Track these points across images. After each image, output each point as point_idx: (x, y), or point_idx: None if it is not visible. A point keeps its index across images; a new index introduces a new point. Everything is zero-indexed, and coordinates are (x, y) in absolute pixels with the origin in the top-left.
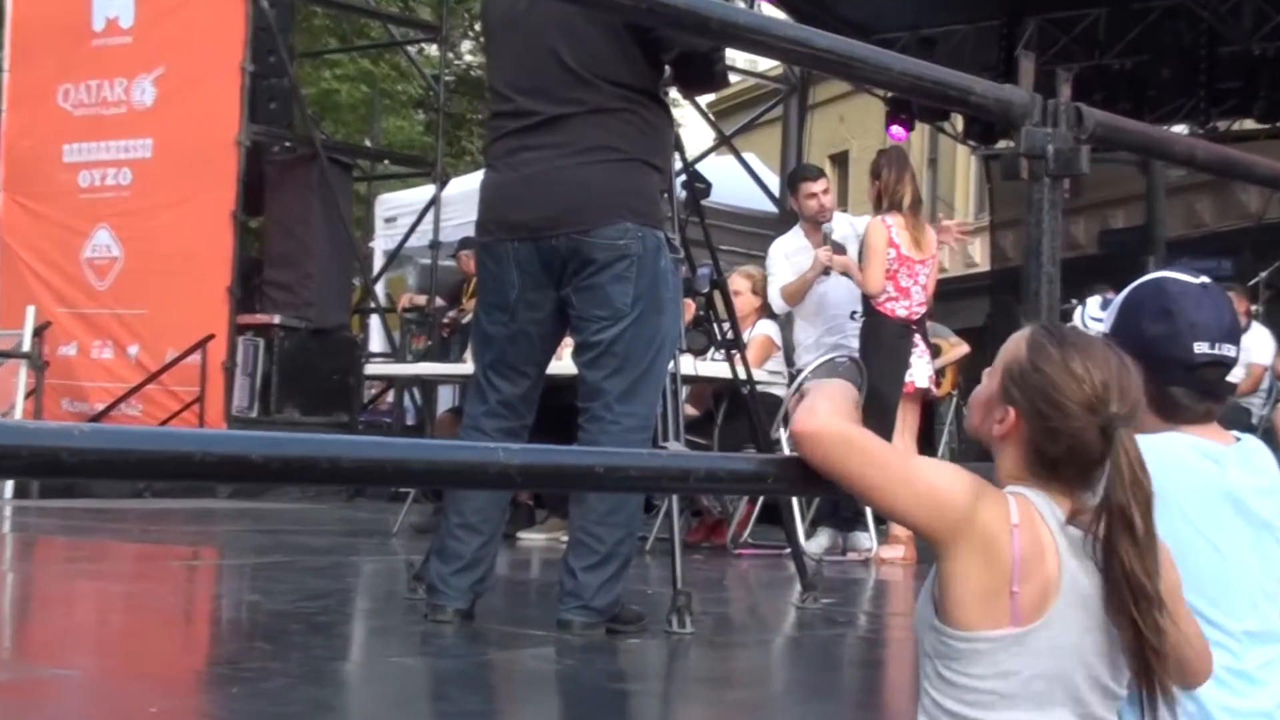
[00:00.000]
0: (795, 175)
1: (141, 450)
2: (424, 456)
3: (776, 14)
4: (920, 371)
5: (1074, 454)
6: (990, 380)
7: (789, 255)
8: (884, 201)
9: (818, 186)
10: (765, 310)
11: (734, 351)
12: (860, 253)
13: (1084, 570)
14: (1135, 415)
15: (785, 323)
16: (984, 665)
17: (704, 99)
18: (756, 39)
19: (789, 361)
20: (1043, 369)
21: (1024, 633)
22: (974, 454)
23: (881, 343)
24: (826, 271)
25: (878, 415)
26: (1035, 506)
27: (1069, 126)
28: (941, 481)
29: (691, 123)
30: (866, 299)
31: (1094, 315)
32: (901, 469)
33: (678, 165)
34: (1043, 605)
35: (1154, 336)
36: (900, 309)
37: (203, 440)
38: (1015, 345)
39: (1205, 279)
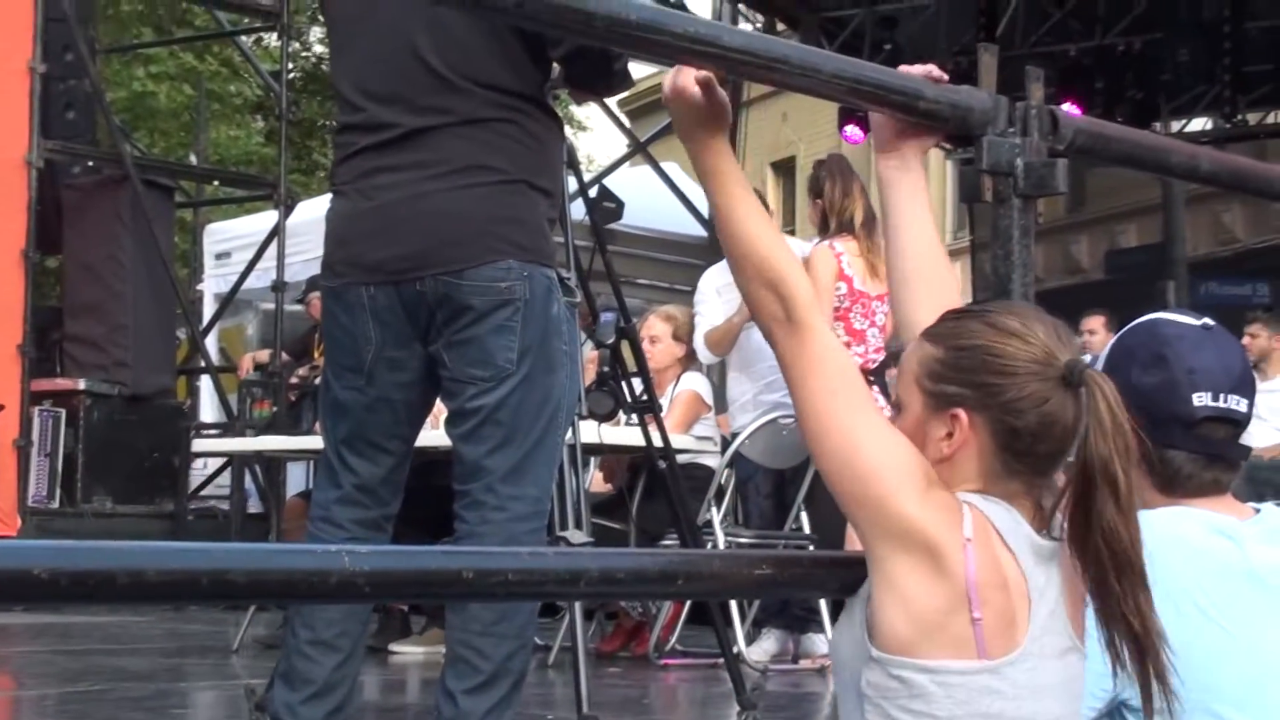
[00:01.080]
0: None
1: None
2: (247, 566)
3: None
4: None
5: (1046, 424)
6: (908, 403)
7: (720, 290)
8: (831, 222)
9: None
10: (691, 361)
11: (648, 415)
12: None
13: (1060, 588)
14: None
15: (716, 376)
16: (956, 705)
17: (613, 99)
18: (652, 39)
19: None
20: (972, 343)
21: (997, 665)
22: None
23: None
24: None
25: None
26: (992, 522)
27: (1042, 135)
28: (888, 456)
29: (599, 127)
30: None
31: None
32: (852, 417)
33: (573, 185)
34: (1011, 637)
35: (1147, 388)
36: (854, 357)
37: None
38: (916, 349)
39: (1208, 320)
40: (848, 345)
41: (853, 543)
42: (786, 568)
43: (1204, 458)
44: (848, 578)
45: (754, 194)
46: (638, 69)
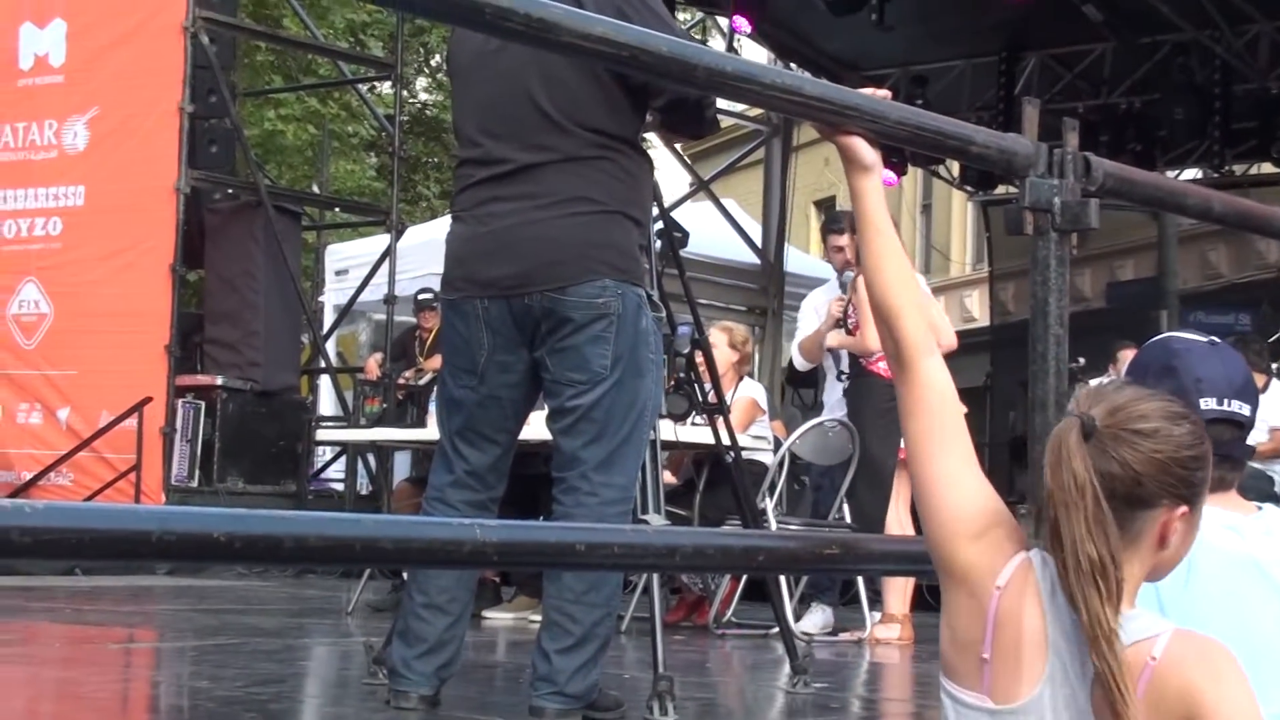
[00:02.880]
0: (824, 224)
1: (97, 529)
2: (395, 535)
3: (759, 51)
4: None
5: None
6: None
7: (818, 309)
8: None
9: (842, 240)
10: (744, 367)
11: (717, 416)
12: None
13: (1078, 657)
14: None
15: (774, 386)
16: None
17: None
18: (745, 88)
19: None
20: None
21: (998, 710)
22: None
23: (874, 406)
24: (840, 324)
25: (872, 483)
26: (1039, 580)
27: (1077, 178)
28: (958, 500)
29: (666, 166)
30: (856, 359)
31: None
32: (939, 459)
33: (655, 214)
34: (1017, 687)
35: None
36: None
37: (162, 518)
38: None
39: (1214, 338)
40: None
41: (889, 530)
42: (851, 548)
43: (1213, 457)
44: (903, 558)
45: (890, 236)
46: None
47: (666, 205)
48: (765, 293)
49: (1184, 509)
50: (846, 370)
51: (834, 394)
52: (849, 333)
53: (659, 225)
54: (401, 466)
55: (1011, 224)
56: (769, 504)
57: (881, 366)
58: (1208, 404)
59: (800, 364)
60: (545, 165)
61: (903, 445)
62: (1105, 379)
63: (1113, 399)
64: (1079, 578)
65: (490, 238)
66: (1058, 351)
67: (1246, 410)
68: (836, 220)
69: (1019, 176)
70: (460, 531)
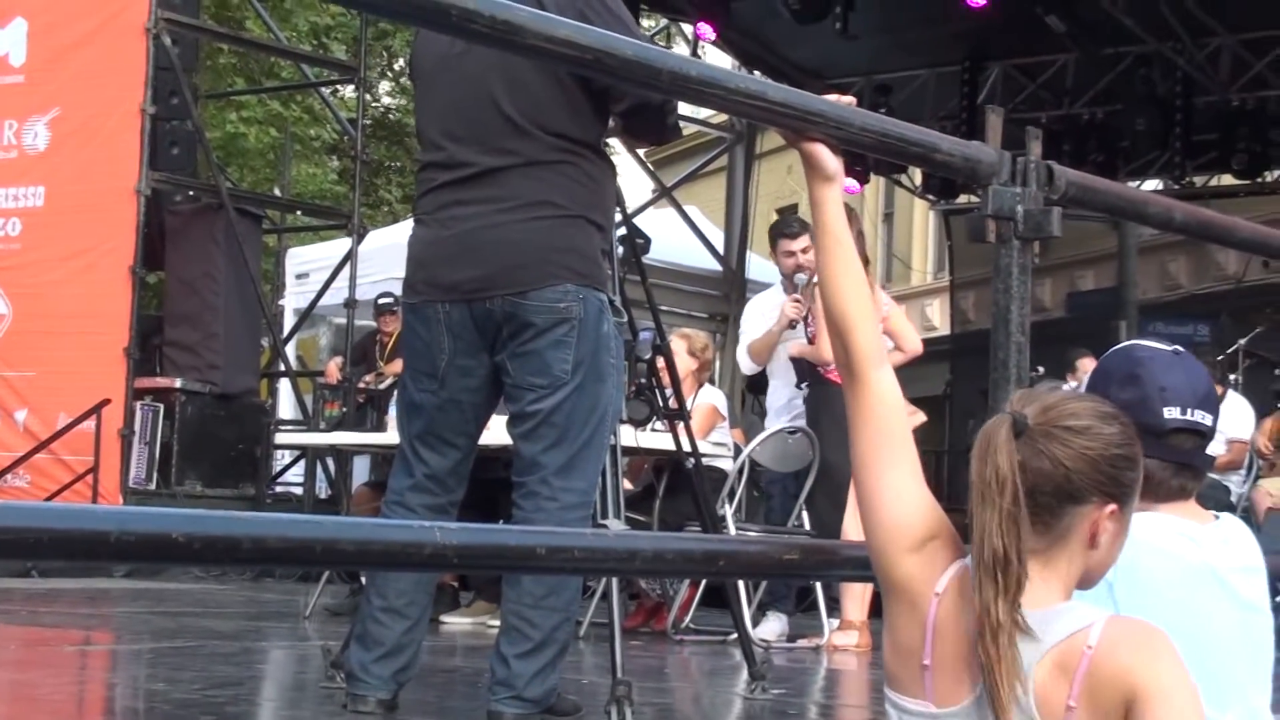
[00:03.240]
0: (774, 229)
1: (55, 529)
2: (355, 536)
3: (723, 59)
4: None
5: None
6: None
7: (765, 313)
8: None
9: (796, 245)
10: (704, 374)
11: (677, 421)
12: (806, 315)
13: (1048, 670)
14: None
15: (734, 392)
16: None
17: (643, 148)
18: (709, 92)
19: (746, 430)
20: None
21: (939, 714)
22: None
23: (832, 414)
24: (793, 325)
25: (830, 492)
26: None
27: (1039, 186)
28: (898, 513)
29: (629, 173)
30: (814, 368)
31: None
32: (883, 472)
33: (618, 219)
34: (959, 690)
35: (1123, 403)
36: None
37: (120, 518)
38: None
39: (1178, 347)
40: None
41: (846, 537)
42: (811, 554)
43: (1173, 466)
44: (862, 564)
45: (848, 247)
46: None
47: (629, 211)
48: (727, 299)
49: (1113, 507)
50: (806, 379)
51: (778, 398)
52: (809, 341)
53: (621, 231)
54: (361, 471)
55: (974, 231)
56: (728, 510)
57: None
58: (1171, 413)
59: (747, 367)
60: (508, 169)
61: None
62: (1060, 385)
63: (1045, 399)
64: (979, 569)
65: (452, 241)
66: (1019, 359)
67: (1209, 420)
68: (789, 224)
69: (982, 184)
70: (420, 534)
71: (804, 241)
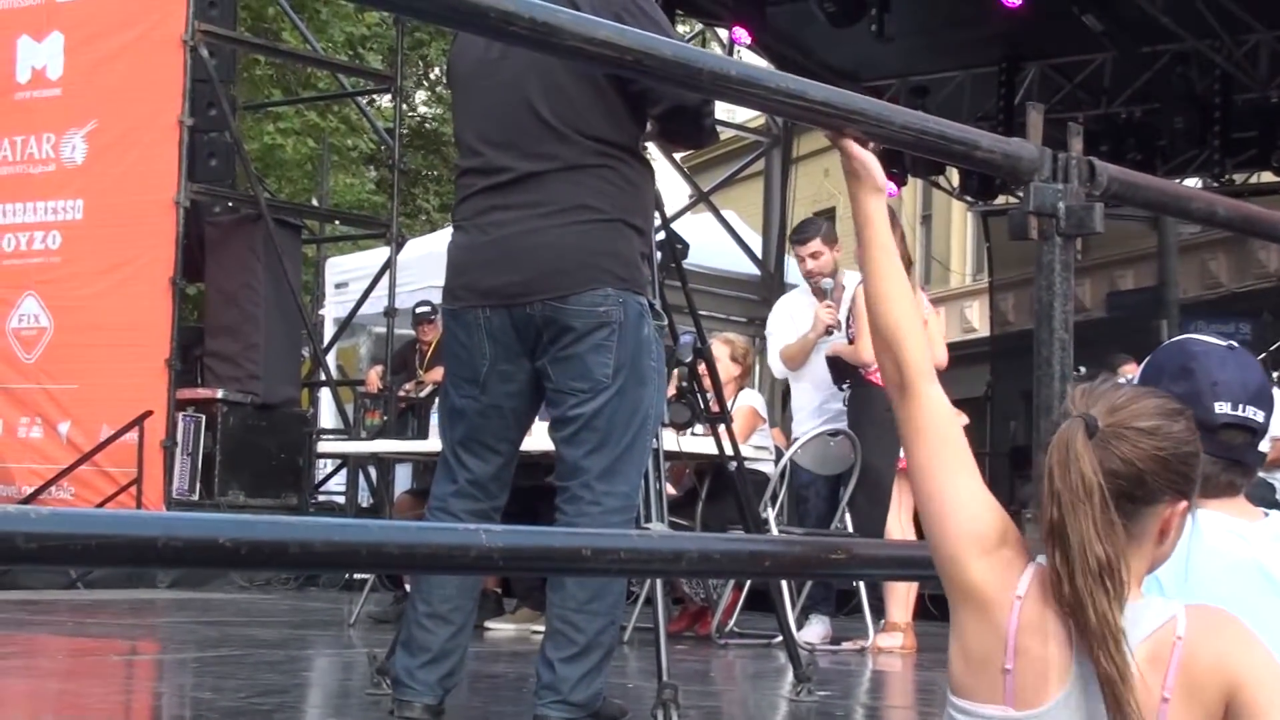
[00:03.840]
0: (792, 235)
1: (102, 535)
2: (401, 540)
3: (759, 63)
4: None
5: None
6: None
7: (793, 316)
8: None
9: (805, 250)
10: (745, 379)
11: (719, 425)
12: (846, 317)
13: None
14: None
15: (776, 394)
16: None
17: (680, 152)
18: (749, 92)
19: (784, 431)
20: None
21: (1020, 717)
22: None
23: (874, 417)
24: (830, 331)
25: (872, 493)
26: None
27: (1081, 182)
28: (965, 520)
29: (666, 178)
30: (856, 369)
31: None
32: (945, 479)
33: (657, 223)
34: (1043, 691)
35: (1175, 397)
36: None
37: (167, 524)
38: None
39: (1233, 342)
40: None
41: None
42: (857, 553)
43: (1223, 461)
44: (907, 563)
45: (894, 258)
46: None
47: (668, 217)
48: (765, 304)
49: (1184, 504)
50: (847, 380)
51: (807, 400)
52: (849, 342)
53: (660, 236)
54: (403, 479)
55: (1016, 229)
56: (770, 514)
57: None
58: (1222, 408)
59: (780, 372)
60: (546, 174)
61: (902, 457)
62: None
63: (1110, 398)
64: (1086, 578)
65: (491, 246)
66: (1062, 356)
67: (1260, 416)
68: (799, 229)
69: (1023, 181)
70: (466, 537)
71: (813, 246)
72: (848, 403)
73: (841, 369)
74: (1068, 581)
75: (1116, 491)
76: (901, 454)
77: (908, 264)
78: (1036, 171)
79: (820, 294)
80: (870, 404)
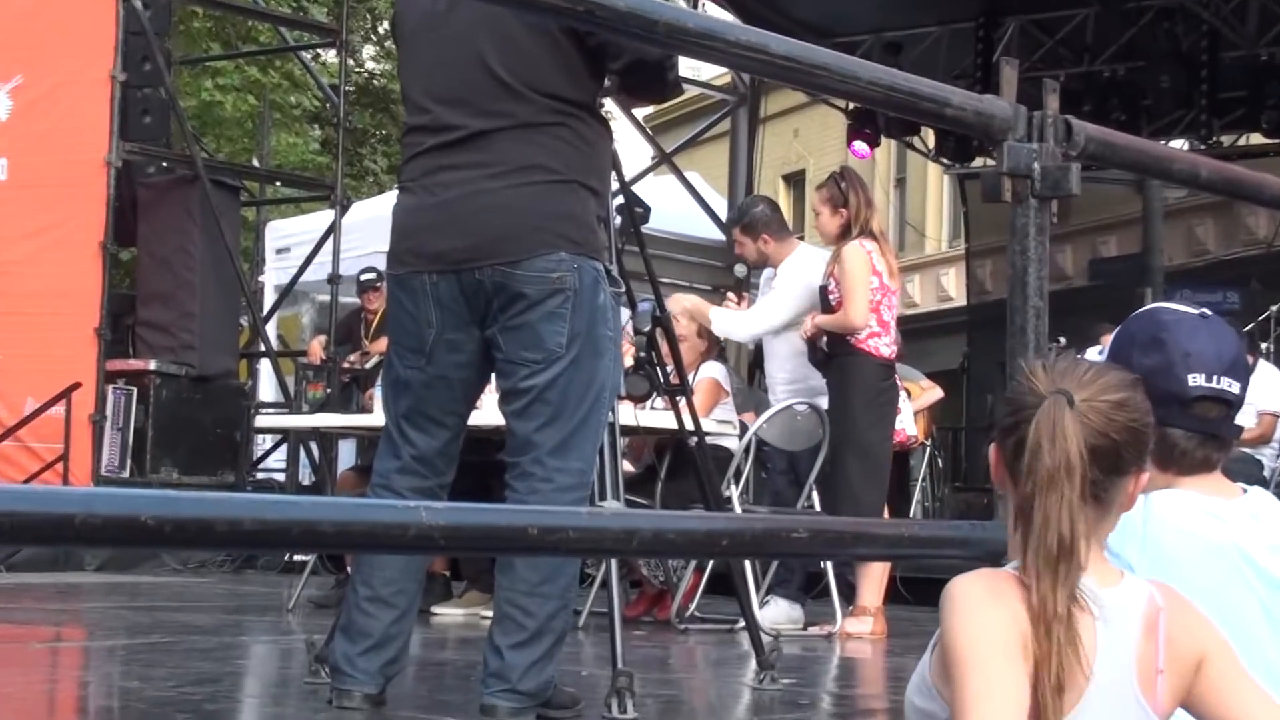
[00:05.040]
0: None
1: (15, 512)
2: (335, 518)
3: (723, 15)
4: (907, 418)
5: None
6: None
7: (819, 272)
8: (853, 229)
9: (734, 236)
10: (711, 352)
11: (679, 398)
12: (827, 284)
13: (1132, 652)
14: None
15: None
16: None
17: (641, 110)
18: (707, 44)
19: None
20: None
21: None
22: (950, 512)
23: (866, 387)
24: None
25: (869, 473)
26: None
27: (1057, 141)
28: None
29: (627, 139)
30: (841, 338)
31: None
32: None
33: (615, 186)
34: (1061, 701)
35: (1146, 369)
36: (884, 347)
37: (86, 500)
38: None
39: (1205, 310)
40: (877, 335)
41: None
42: (821, 532)
43: (1199, 435)
44: (875, 543)
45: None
46: None
47: (628, 178)
48: (731, 271)
49: (1146, 474)
50: (831, 351)
51: (782, 372)
52: (830, 310)
53: (619, 198)
54: (346, 455)
55: (989, 190)
56: (734, 492)
57: (872, 344)
58: (1196, 380)
59: (747, 335)
60: (497, 132)
61: (900, 429)
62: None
63: (1075, 374)
64: (1038, 557)
65: (439, 209)
66: (1037, 325)
67: (1236, 388)
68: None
69: (997, 141)
70: (405, 514)
71: (735, 234)
72: (828, 370)
73: (827, 344)
74: (1021, 559)
75: (1096, 467)
76: (900, 427)
77: (876, 233)
78: (1010, 130)
79: (734, 284)
80: (860, 373)
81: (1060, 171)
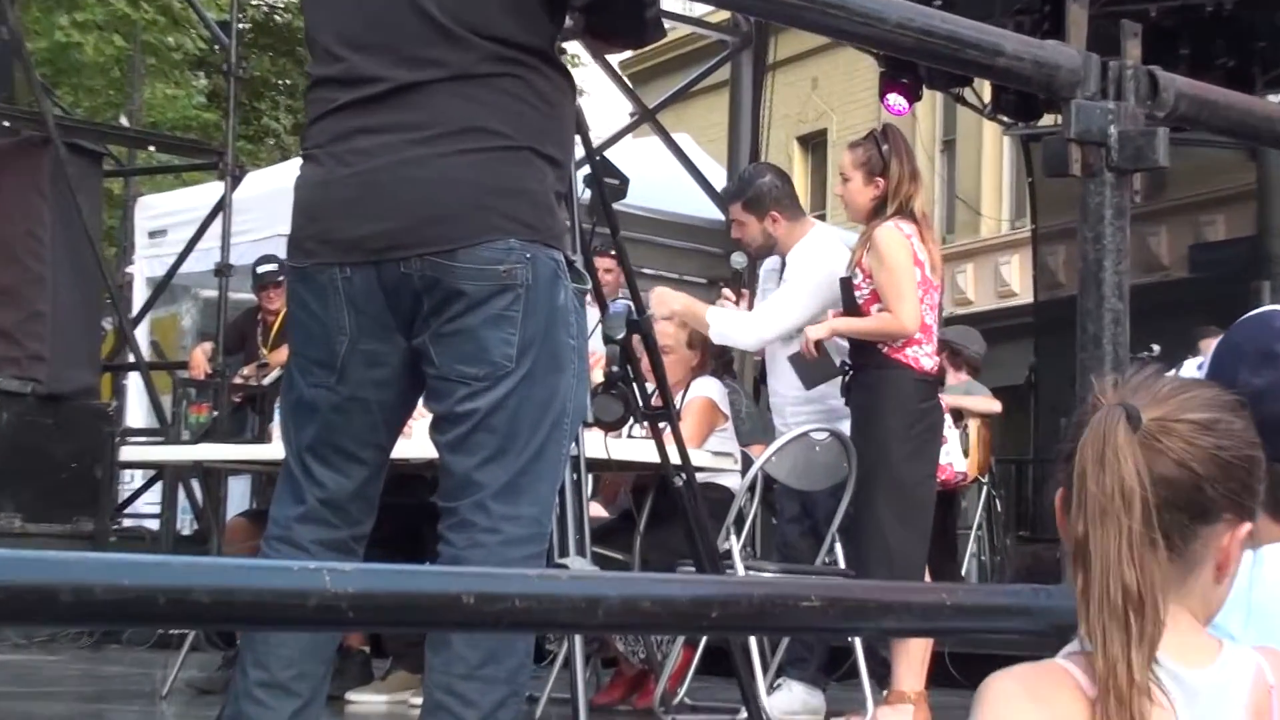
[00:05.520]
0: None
1: None
2: (214, 583)
3: None
4: (954, 448)
5: None
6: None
7: (843, 261)
8: (889, 206)
9: (731, 214)
10: (704, 367)
11: (663, 425)
12: (850, 275)
13: None
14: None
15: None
16: None
17: (617, 56)
18: None
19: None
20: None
21: None
22: (1013, 570)
23: (902, 408)
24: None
25: (906, 520)
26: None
27: (1139, 100)
28: None
29: (599, 90)
30: (871, 346)
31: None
32: None
33: (580, 154)
34: None
35: (1256, 390)
36: (925, 358)
37: None
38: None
39: None
40: (917, 343)
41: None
42: (838, 599)
43: None
44: (908, 614)
45: None
46: None
47: (598, 142)
48: (729, 259)
49: (1246, 526)
50: (858, 363)
51: (790, 390)
52: (855, 310)
53: (585, 169)
54: (238, 497)
55: (1053, 162)
56: (734, 544)
57: (910, 354)
58: None
59: (753, 344)
60: (429, 85)
61: (944, 464)
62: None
63: (1152, 388)
64: (1104, 610)
65: (354, 183)
66: (1115, 333)
67: None
68: (726, 189)
69: (1062, 98)
70: (304, 579)
71: (733, 211)
72: (852, 388)
73: (851, 354)
74: (1083, 617)
75: (1165, 504)
76: (945, 461)
77: (921, 214)
78: (1079, 85)
79: (732, 275)
80: (894, 390)
81: (1143, 138)
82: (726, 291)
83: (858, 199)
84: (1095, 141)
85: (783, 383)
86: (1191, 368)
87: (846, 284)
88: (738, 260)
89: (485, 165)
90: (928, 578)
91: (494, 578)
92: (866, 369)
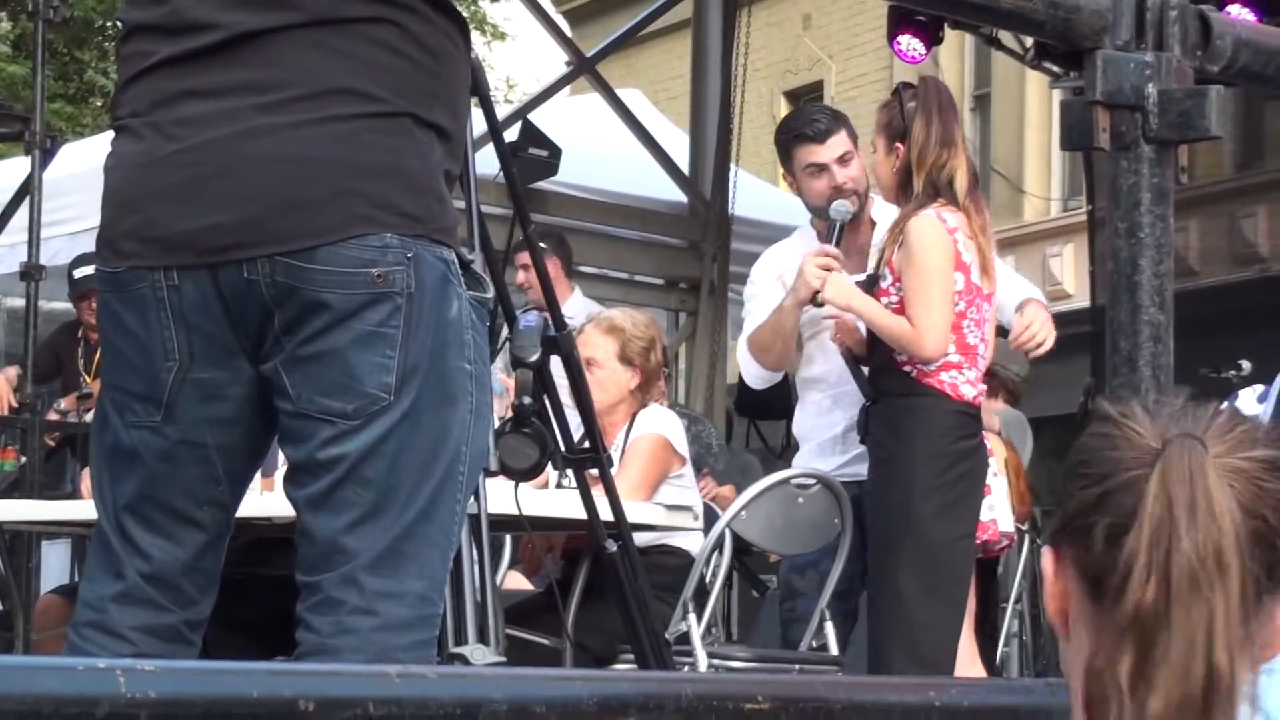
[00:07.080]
0: (786, 131)
1: None
2: None
3: None
4: (1000, 500)
5: None
6: None
7: (784, 277)
8: (916, 182)
9: (826, 153)
10: (647, 394)
11: (592, 471)
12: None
13: None
14: None
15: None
16: None
17: None
18: None
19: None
20: None
21: None
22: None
23: (935, 448)
24: (818, 302)
25: (930, 586)
26: None
27: (1186, 50)
28: None
29: (526, 34)
30: (891, 363)
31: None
32: None
33: (482, 124)
34: None
35: None
36: (965, 385)
37: None
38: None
39: None
40: (956, 366)
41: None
42: (793, 700)
43: None
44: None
45: None
46: None
47: (525, 102)
48: (697, 253)
49: None
50: (880, 386)
51: (821, 421)
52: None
53: (487, 144)
54: (55, 566)
55: (1074, 132)
56: (694, 624)
57: (946, 380)
58: None
59: (754, 376)
60: (277, 33)
61: (986, 521)
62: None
63: (1202, 418)
64: (1169, 705)
65: (181, 162)
66: (1155, 352)
67: None
68: (810, 119)
69: (1085, 48)
70: (92, 682)
71: (836, 145)
72: (870, 421)
73: (872, 374)
74: (1134, 709)
75: (1254, 562)
76: (989, 517)
77: (975, 180)
78: (1106, 31)
79: (827, 230)
80: (924, 423)
81: (1191, 99)
82: (826, 249)
83: (881, 173)
84: (1128, 104)
85: (812, 421)
86: (1250, 398)
87: (870, 285)
88: (841, 209)
89: (351, 138)
90: (975, 669)
91: (341, 677)
92: (889, 397)
